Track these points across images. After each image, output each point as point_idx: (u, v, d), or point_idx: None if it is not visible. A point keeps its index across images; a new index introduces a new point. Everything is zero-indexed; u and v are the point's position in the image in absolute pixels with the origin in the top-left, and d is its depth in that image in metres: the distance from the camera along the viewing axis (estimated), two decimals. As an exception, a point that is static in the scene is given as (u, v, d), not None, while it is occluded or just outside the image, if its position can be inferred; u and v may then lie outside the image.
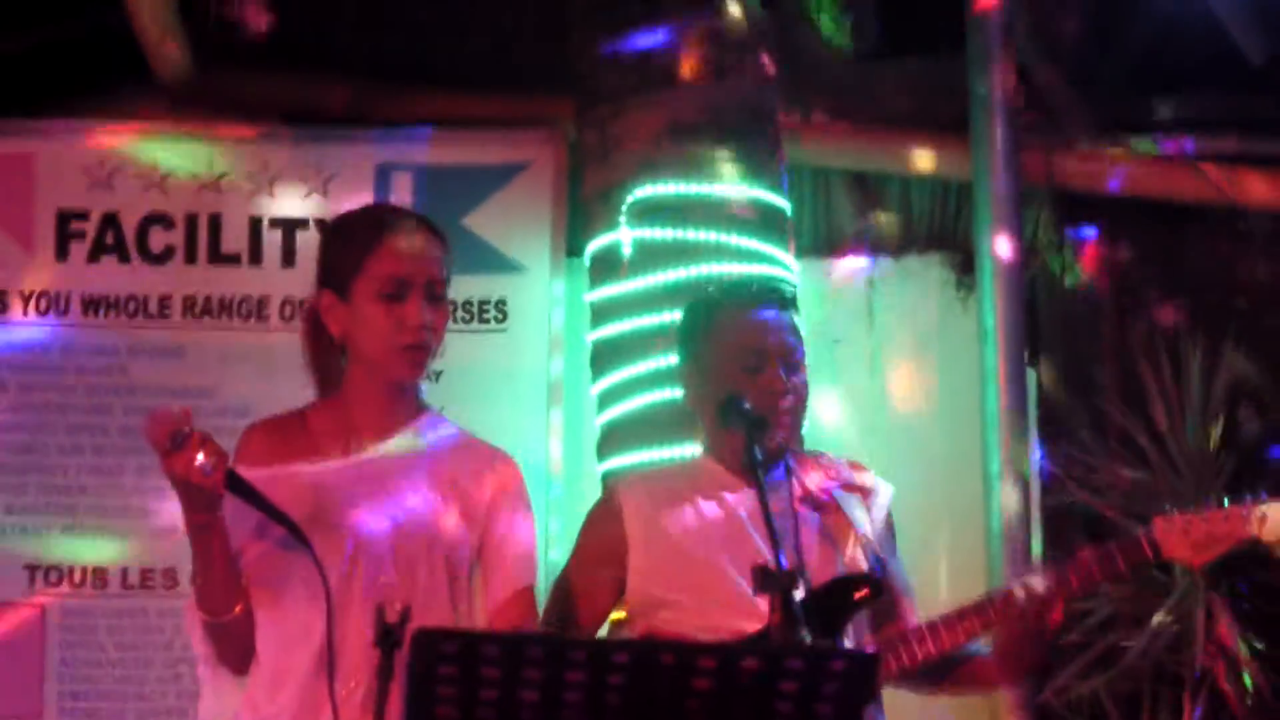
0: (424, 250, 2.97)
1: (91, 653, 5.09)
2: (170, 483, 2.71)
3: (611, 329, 4.64)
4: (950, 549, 5.16)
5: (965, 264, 5.42)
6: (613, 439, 4.60)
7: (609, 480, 4.28)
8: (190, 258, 5.29)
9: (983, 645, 3.21)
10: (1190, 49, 5.38)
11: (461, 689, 2.24)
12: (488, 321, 5.25)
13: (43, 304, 5.23)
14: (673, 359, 4.34)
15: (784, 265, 4.66)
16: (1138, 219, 5.69)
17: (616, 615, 3.27)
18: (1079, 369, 5.56)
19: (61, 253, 5.27)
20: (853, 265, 5.65)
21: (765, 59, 4.83)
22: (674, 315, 4.42)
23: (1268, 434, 5.27)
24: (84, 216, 5.29)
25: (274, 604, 2.87)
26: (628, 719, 2.26)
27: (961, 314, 5.50)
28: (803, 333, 3.36)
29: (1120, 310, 5.63)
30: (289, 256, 5.29)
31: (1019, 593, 3.13)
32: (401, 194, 5.26)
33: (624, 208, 4.62)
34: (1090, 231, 5.71)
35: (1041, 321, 5.59)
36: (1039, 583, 3.14)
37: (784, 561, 2.75)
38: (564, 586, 3.29)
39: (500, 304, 5.26)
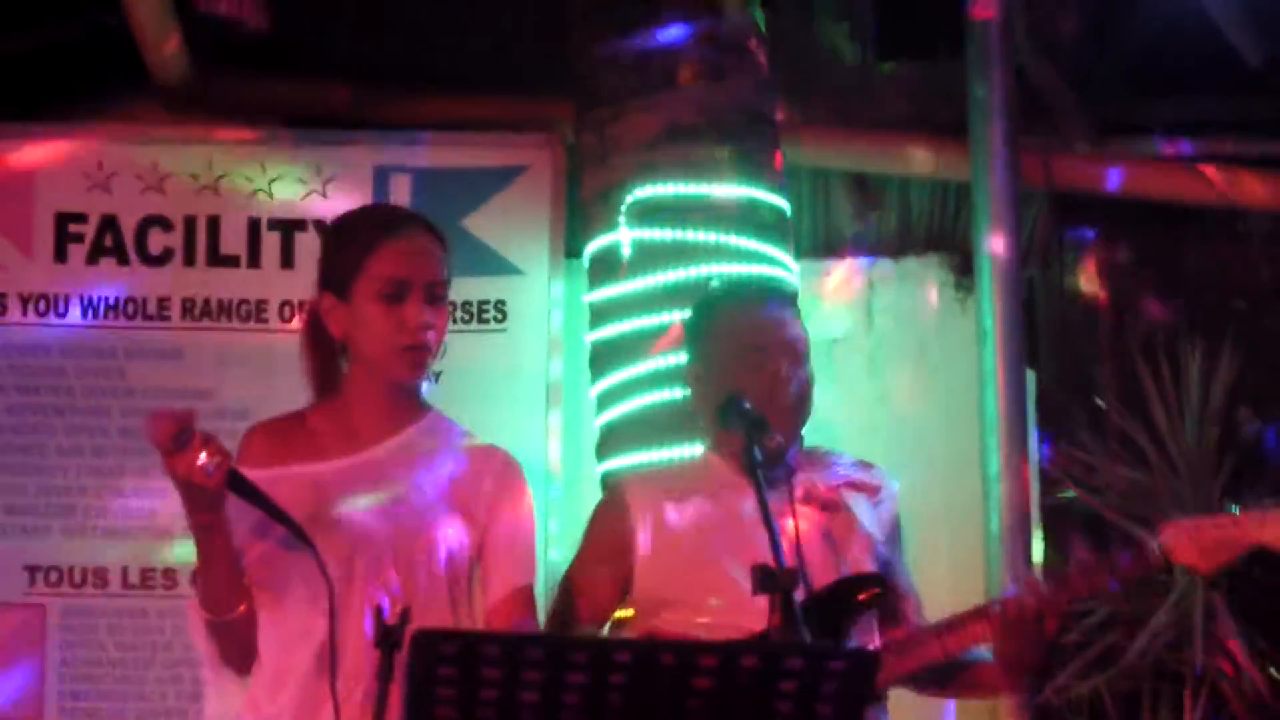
0: (424, 251, 2.97)
1: (92, 653, 5.09)
2: (173, 483, 2.72)
3: (610, 330, 4.64)
4: (949, 550, 5.16)
5: (964, 265, 5.42)
6: (612, 440, 4.61)
7: (615, 478, 4.28)
8: (189, 260, 5.29)
9: (985, 650, 3.21)
10: (1188, 51, 5.38)
11: (461, 690, 2.24)
12: (487, 322, 5.25)
13: (41, 306, 5.23)
14: (671, 359, 4.38)
15: (783, 266, 4.66)
16: (1136, 220, 5.69)
17: (622, 614, 3.26)
18: (1078, 370, 5.57)
19: (60, 255, 5.27)
20: (851, 266, 5.65)
21: (764, 61, 4.84)
22: (673, 316, 4.44)
23: (1267, 434, 5.27)
24: (82, 219, 5.29)
25: (275, 604, 2.87)
26: (628, 719, 2.26)
27: (960, 315, 5.50)
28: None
29: (1119, 311, 5.63)
30: (288, 258, 5.28)
31: (1024, 598, 3.12)
32: (400, 196, 5.26)
33: (623, 208, 4.62)
34: (1088, 233, 5.71)
35: (1040, 322, 5.60)
36: (1045, 588, 3.13)
37: (784, 561, 2.75)
38: (567, 584, 3.30)
39: (499, 305, 5.26)
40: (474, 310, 5.23)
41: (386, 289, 2.92)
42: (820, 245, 5.66)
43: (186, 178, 5.31)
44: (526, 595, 2.99)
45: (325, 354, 3.03)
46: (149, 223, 5.30)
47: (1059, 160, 5.60)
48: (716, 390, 3.21)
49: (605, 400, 4.64)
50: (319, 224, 5.18)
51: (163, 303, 5.25)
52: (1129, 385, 5.35)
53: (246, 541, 2.86)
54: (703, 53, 4.74)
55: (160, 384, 5.17)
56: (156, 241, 5.29)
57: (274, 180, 5.33)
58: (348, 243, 3.00)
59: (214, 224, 5.30)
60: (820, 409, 3.36)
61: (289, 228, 5.30)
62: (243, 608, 2.86)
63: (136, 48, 5.33)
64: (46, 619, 5.08)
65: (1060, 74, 5.56)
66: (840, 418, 5.24)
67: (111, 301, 5.25)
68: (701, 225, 4.57)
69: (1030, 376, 5.29)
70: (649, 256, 4.58)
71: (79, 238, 5.28)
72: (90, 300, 5.24)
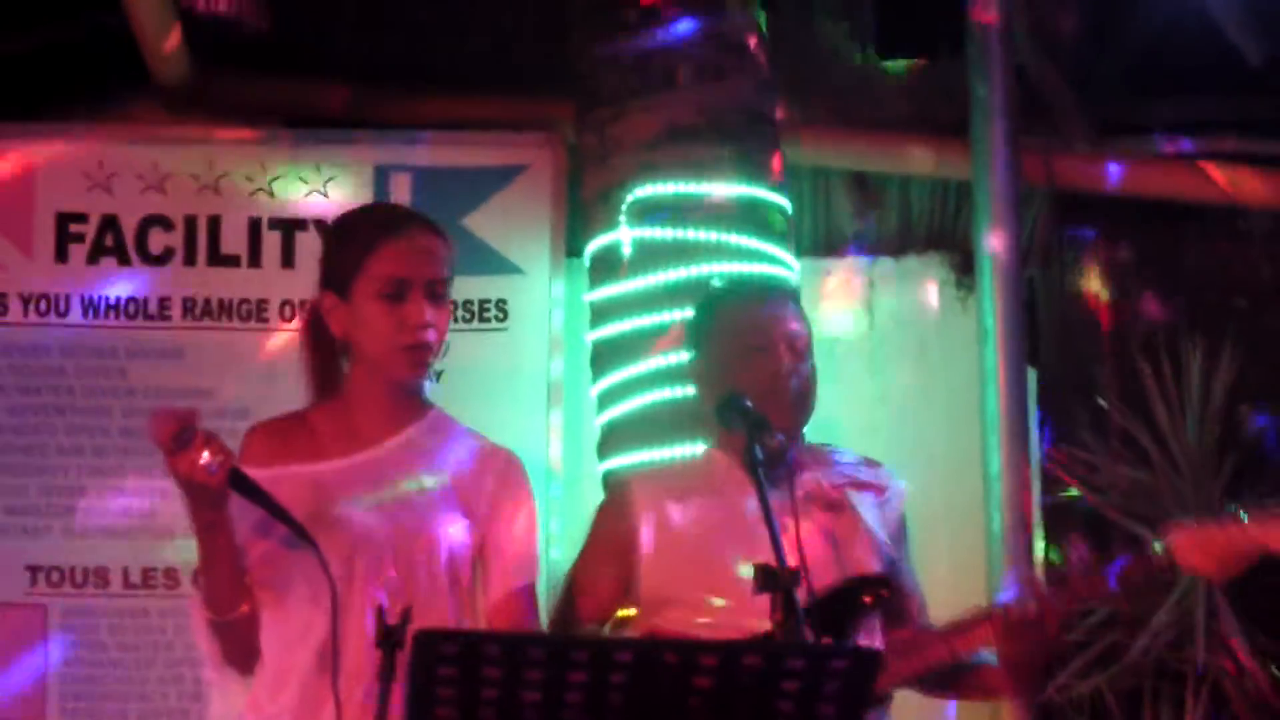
0: (425, 249, 2.96)
1: (93, 653, 5.08)
2: (175, 482, 2.72)
3: (611, 329, 4.64)
4: (950, 549, 5.15)
5: (965, 264, 5.42)
6: (613, 439, 4.61)
7: (618, 476, 4.28)
8: (189, 259, 5.29)
9: (990, 653, 3.19)
10: (1189, 50, 5.38)
11: (462, 689, 2.24)
12: (488, 321, 5.25)
13: (42, 306, 5.23)
14: (672, 358, 4.38)
15: (784, 265, 4.66)
16: (1137, 219, 5.69)
17: (625, 613, 3.26)
18: (1079, 368, 5.57)
19: (61, 255, 5.27)
20: (852, 266, 5.65)
21: (764, 60, 4.84)
22: (674, 315, 4.44)
23: (1268, 433, 5.27)
24: (83, 219, 5.29)
25: (277, 604, 2.87)
26: (630, 718, 2.26)
27: (961, 314, 5.50)
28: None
29: (1120, 310, 5.63)
30: (288, 258, 5.28)
31: (1027, 602, 3.11)
32: (401, 195, 5.26)
33: (624, 207, 4.62)
34: (1089, 232, 5.71)
35: (1041, 321, 5.60)
36: (1047, 592, 3.11)
37: (785, 560, 2.74)
38: (570, 582, 3.29)
39: (500, 304, 5.26)
40: (475, 309, 5.23)
41: (387, 288, 2.91)
42: (821, 244, 5.66)
43: (187, 177, 5.31)
44: (528, 594, 2.99)
45: (325, 353, 3.03)
46: (150, 222, 5.30)
47: (1060, 159, 5.60)
48: (719, 388, 3.21)
49: (606, 399, 4.65)
50: (320, 223, 5.18)
51: (163, 302, 5.25)
52: (1130, 384, 5.35)
53: (248, 541, 2.86)
54: (703, 53, 4.74)
55: (161, 384, 5.17)
56: (157, 241, 5.29)
57: (274, 180, 5.33)
58: (348, 242, 3.00)
59: (214, 224, 5.30)
60: (821, 408, 3.35)
61: (290, 227, 5.30)
62: (245, 607, 2.85)
63: (137, 48, 5.33)
64: (48, 619, 5.08)
65: (1061, 73, 5.56)
66: (841, 417, 5.24)
67: (112, 301, 5.24)
68: (702, 224, 4.58)
69: (1031, 375, 5.29)
70: (650, 256, 4.58)
71: (80, 237, 5.27)
72: (91, 300, 5.24)
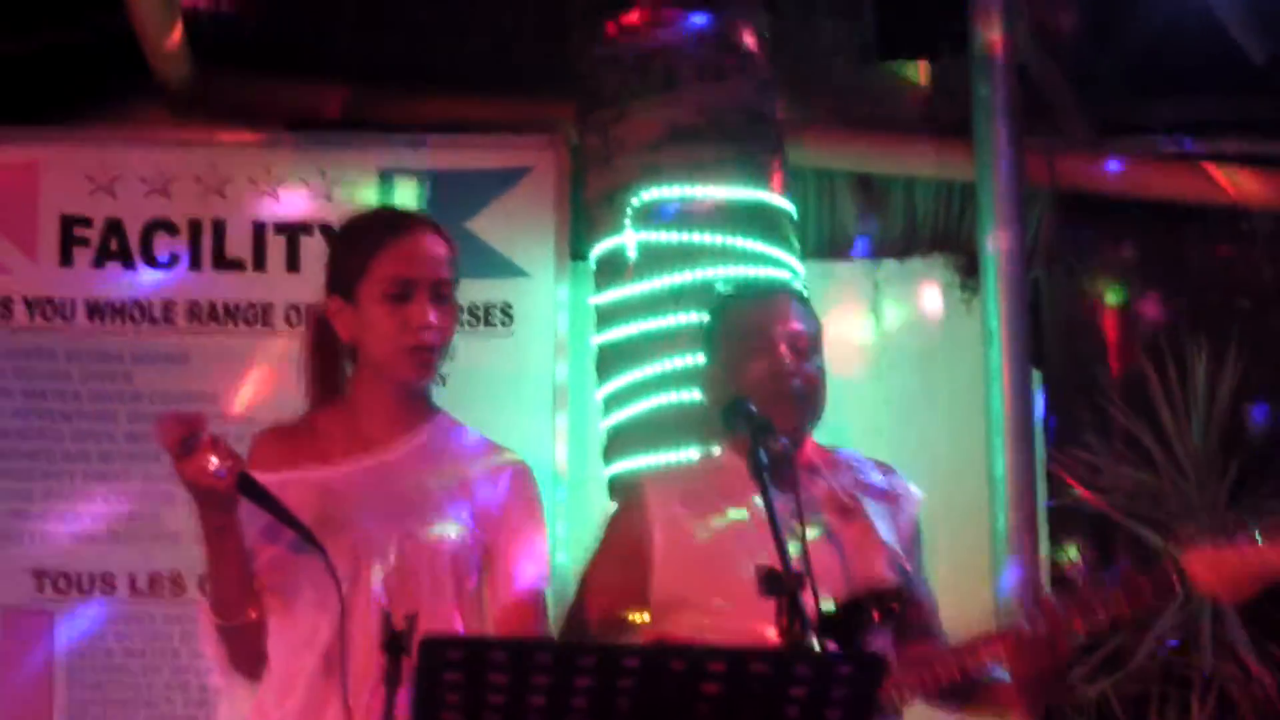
0: (428, 251, 2.97)
1: (100, 659, 5.09)
2: (184, 486, 2.72)
3: (616, 332, 4.64)
4: (954, 551, 5.13)
5: (969, 266, 5.42)
6: (618, 443, 4.61)
7: (634, 477, 4.26)
8: (194, 263, 5.29)
9: (1002, 670, 3.17)
10: (1191, 49, 5.37)
11: (468, 695, 2.24)
12: (493, 325, 5.25)
13: (47, 310, 5.23)
14: (678, 361, 4.39)
15: (789, 267, 4.66)
16: (1140, 220, 5.69)
17: (637, 617, 3.25)
18: (1083, 370, 5.56)
19: (65, 259, 5.27)
20: (857, 268, 5.65)
21: (765, 61, 4.84)
22: (679, 318, 4.44)
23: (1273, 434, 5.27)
24: (88, 223, 5.29)
25: (284, 609, 2.87)
26: (636, 724, 2.26)
27: (965, 315, 5.50)
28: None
29: (1124, 311, 5.63)
30: (293, 262, 5.28)
31: (1038, 622, 3.09)
32: (405, 198, 5.26)
33: (629, 210, 4.62)
34: (1093, 232, 5.71)
35: (1045, 323, 5.59)
36: (1060, 611, 3.09)
37: (791, 564, 2.74)
38: (582, 582, 3.29)
39: (505, 308, 5.26)
40: (480, 313, 5.24)
41: (391, 289, 2.92)
42: (825, 246, 5.65)
43: (191, 181, 5.31)
44: (537, 600, 2.99)
45: (328, 357, 3.03)
46: (154, 226, 5.30)
47: (1063, 160, 5.60)
48: (724, 392, 3.21)
49: (611, 403, 4.65)
50: (324, 227, 5.18)
51: (168, 307, 5.25)
52: (1134, 385, 5.35)
53: (256, 546, 2.86)
54: (704, 53, 4.74)
55: (166, 388, 5.18)
56: (162, 245, 5.29)
57: (279, 184, 5.33)
58: (353, 245, 3.00)
59: (219, 228, 5.31)
60: (825, 410, 3.35)
61: (294, 231, 5.30)
62: (253, 613, 2.86)
63: (139, 49, 5.33)
64: (54, 624, 5.09)
65: (1063, 73, 5.56)
66: (845, 418, 5.24)
67: (117, 305, 5.25)
68: (707, 227, 4.58)
69: (1036, 376, 5.29)
70: (655, 259, 4.58)
71: (84, 241, 5.28)
72: (96, 304, 5.24)
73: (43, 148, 5.31)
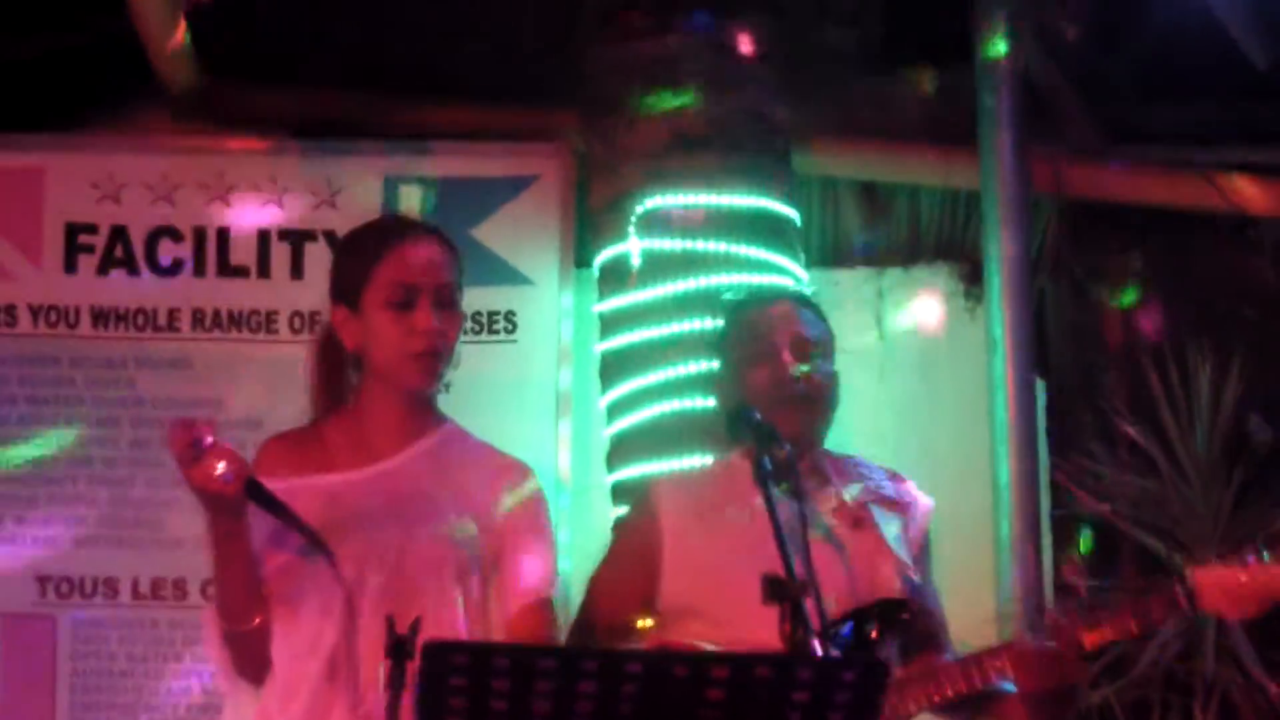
0: (431, 257, 2.97)
1: (102, 664, 5.09)
2: (192, 491, 2.72)
3: (620, 340, 4.65)
4: (958, 559, 5.13)
5: (974, 274, 5.42)
6: (622, 450, 4.61)
7: (646, 482, 4.25)
8: (199, 270, 5.29)
9: (1009, 684, 3.16)
10: (1196, 55, 5.36)
11: (472, 701, 2.24)
12: (497, 333, 5.25)
13: (52, 317, 5.24)
14: (681, 369, 4.39)
15: (793, 275, 4.67)
16: (1146, 228, 5.68)
17: (643, 623, 3.24)
18: (1087, 378, 5.56)
19: (70, 266, 5.27)
20: (861, 276, 5.65)
21: (771, 69, 4.84)
22: (682, 326, 4.44)
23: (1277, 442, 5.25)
24: (92, 230, 5.29)
25: (289, 615, 2.87)
26: (639, 730, 2.26)
27: (970, 324, 5.50)
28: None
29: (1128, 319, 5.62)
30: (298, 269, 5.28)
31: (1046, 639, 3.08)
32: (410, 206, 5.26)
33: (633, 218, 4.63)
34: (1098, 240, 5.70)
35: (1050, 331, 5.59)
36: (1068, 629, 3.09)
37: (795, 572, 2.73)
38: (591, 585, 3.29)
39: (509, 315, 5.26)
40: (484, 321, 5.23)
41: (395, 295, 2.93)
42: (830, 254, 5.65)
43: (196, 188, 5.32)
44: (545, 607, 2.99)
45: (334, 367, 3.04)
46: (159, 233, 5.30)
47: (1068, 168, 5.60)
48: (731, 399, 3.21)
49: (615, 410, 4.65)
50: (329, 235, 5.18)
51: (173, 313, 5.25)
52: (1139, 393, 5.34)
53: (264, 552, 2.87)
54: (710, 61, 4.74)
55: (170, 394, 5.17)
56: (166, 252, 5.29)
57: (284, 191, 5.33)
58: (356, 254, 3.01)
59: (224, 235, 5.31)
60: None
61: (299, 238, 5.30)
62: (259, 619, 2.86)
63: (145, 56, 5.33)
64: (57, 630, 5.09)
65: (1068, 80, 5.56)
66: (849, 426, 5.23)
67: (121, 312, 5.25)
68: (711, 235, 4.58)
69: (1040, 385, 5.29)
70: (659, 266, 4.59)
71: (89, 248, 5.28)
72: (100, 311, 5.24)
73: (48, 154, 5.31)
